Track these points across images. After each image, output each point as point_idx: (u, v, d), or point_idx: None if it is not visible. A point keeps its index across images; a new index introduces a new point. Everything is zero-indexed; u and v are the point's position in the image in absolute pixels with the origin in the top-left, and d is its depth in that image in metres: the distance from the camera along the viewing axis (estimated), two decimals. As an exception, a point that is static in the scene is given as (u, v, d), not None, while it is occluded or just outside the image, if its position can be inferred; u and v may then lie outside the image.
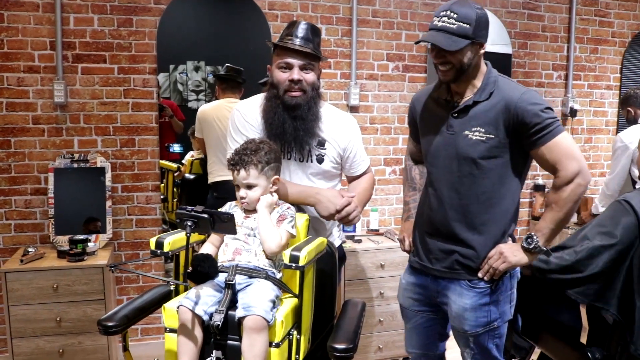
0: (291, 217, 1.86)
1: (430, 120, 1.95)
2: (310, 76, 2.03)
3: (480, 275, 1.84)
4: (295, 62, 1.99)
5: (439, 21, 1.74)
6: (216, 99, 3.32)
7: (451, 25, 1.71)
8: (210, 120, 3.17)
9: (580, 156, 1.75)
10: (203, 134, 3.22)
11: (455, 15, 1.71)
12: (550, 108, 1.76)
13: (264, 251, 1.80)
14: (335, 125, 2.14)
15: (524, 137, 1.77)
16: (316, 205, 2.02)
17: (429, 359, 2.14)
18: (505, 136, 1.78)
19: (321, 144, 2.10)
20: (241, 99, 3.26)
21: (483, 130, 1.79)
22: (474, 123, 1.81)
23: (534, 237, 1.79)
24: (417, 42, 1.94)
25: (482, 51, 1.80)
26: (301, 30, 2.01)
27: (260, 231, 1.79)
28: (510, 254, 1.80)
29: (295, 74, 1.99)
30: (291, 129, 2.00)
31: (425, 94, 2.03)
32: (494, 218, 1.85)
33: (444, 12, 1.73)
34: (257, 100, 2.14)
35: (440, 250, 1.91)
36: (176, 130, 3.40)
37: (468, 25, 1.71)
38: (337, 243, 2.25)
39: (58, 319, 2.71)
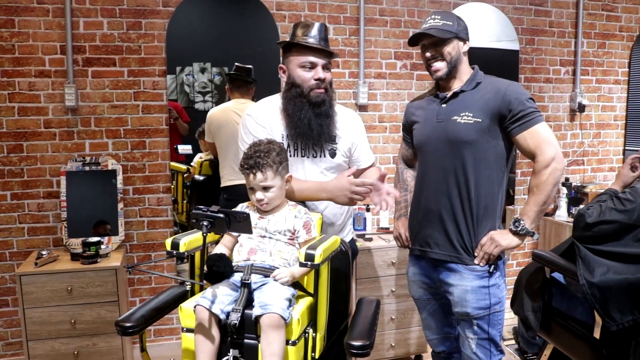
0: (312, 220, 1.90)
1: (423, 115, 2.14)
2: (329, 75, 2.09)
3: (476, 261, 1.99)
4: (319, 61, 2.05)
5: (426, 23, 2.03)
6: (229, 99, 3.32)
7: (437, 23, 2.00)
8: (219, 124, 3.18)
9: (556, 144, 1.92)
10: (213, 138, 3.22)
11: (439, 17, 2.02)
12: (532, 99, 1.95)
13: (279, 251, 1.82)
14: (343, 120, 2.19)
15: (508, 122, 1.94)
16: (334, 200, 2.03)
17: (448, 340, 2.26)
18: (491, 121, 1.95)
19: (332, 139, 2.15)
20: (252, 98, 3.27)
21: (472, 114, 1.96)
22: (463, 109, 1.99)
23: (521, 221, 1.94)
24: (410, 39, 2.08)
25: (465, 48, 2.05)
26: (319, 30, 2.07)
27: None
28: (500, 238, 1.95)
29: (321, 73, 2.04)
30: (317, 126, 2.05)
31: (417, 99, 2.26)
32: (485, 201, 1.99)
33: (430, 17, 2.04)
34: (269, 102, 2.17)
35: (438, 233, 2.04)
36: (181, 132, 3.39)
37: (451, 24, 2.01)
38: (348, 238, 2.28)
39: (73, 321, 2.73)
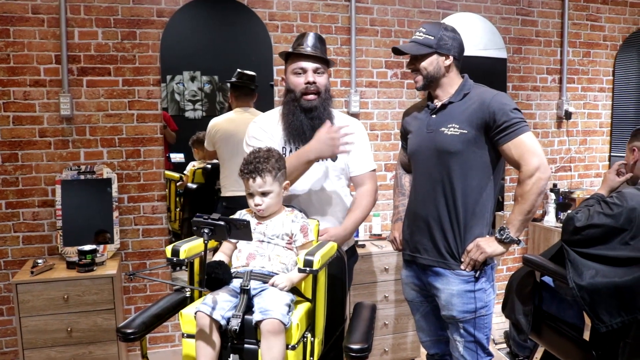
0: (309, 224, 1.94)
1: (415, 125, 2.21)
2: (322, 79, 2.18)
3: (462, 267, 2.04)
4: (308, 65, 2.16)
5: (412, 35, 2.10)
6: (229, 106, 3.34)
7: (419, 37, 2.07)
8: (225, 134, 3.18)
9: (541, 153, 1.95)
10: (215, 147, 3.24)
11: (424, 30, 2.08)
12: (518, 109, 1.98)
13: (277, 255, 1.85)
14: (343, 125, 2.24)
15: (494, 133, 1.98)
16: (321, 155, 2.07)
17: (441, 342, 2.29)
18: (477, 132, 2.00)
19: None
20: (254, 105, 3.32)
21: (458, 126, 2.01)
22: (450, 120, 2.04)
23: (506, 229, 1.98)
24: (393, 50, 2.14)
25: (448, 62, 2.07)
26: (310, 39, 2.20)
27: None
28: (486, 245, 1.99)
29: (310, 77, 2.15)
30: (309, 129, 2.14)
31: (413, 108, 2.31)
32: (472, 209, 2.04)
33: (418, 29, 2.10)
34: (273, 112, 2.30)
35: (426, 240, 2.10)
36: (169, 141, 3.39)
37: (432, 38, 2.05)
38: (345, 247, 2.32)
39: (69, 329, 2.74)
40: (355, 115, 3.55)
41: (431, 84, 2.09)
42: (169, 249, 1.82)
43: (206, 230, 1.66)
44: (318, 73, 2.17)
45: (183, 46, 3.33)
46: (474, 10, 3.81)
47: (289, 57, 2.21)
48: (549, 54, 4.06)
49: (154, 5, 3.15)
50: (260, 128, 2.24)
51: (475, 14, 3.82)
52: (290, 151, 2.19)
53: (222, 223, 1.66)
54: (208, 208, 3.43)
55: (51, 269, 2.84)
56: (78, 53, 3.06)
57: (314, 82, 2.15)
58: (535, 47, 4.02)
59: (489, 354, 2.13)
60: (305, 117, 2.15)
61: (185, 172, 3.53)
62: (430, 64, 2.06)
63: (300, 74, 2.17)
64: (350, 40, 3.52)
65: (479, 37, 3.87)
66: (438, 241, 2.07)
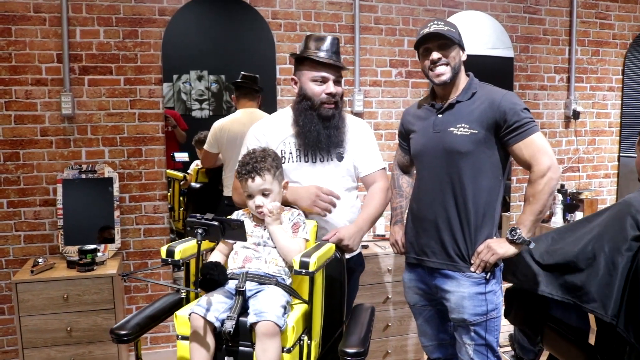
0: (303, 222, 1.91)
1: (419, 124, 2.15)
2: (340, 89, 2.12)
3: (472, 269, 1.99)
4: (331, 76, 2.07)
5: (430, 28, 2.00)
6: (235, 108, 3.32)
7: (442, 28, 1.98)
8: (232, 136, 3.13)
9: (552, 153, 1.92)
10: (220, 149, 3.21)
11: (442, 23, 2.01)
12: (527, 109, 1.95)
13: (273, 259, 1.82)
14: (350, 128, 2.22)
15: (504, 133, 1.95)
16: (297, 202, 2.03)
17: (444, 347, 2.26)
18: (487, 132, 1.96)
19: (339, 143, 2.17)
20: (260, 107, 3.30)
21: (467, 126, 1.97)
22: (459, 120, 1.99)
23: (517, 230, 1.93)
24: (419, 39, 2.03)
25: (464, 58, 2.05)
26: (332, 44, 2.09)
27: (279, 247, 1.82)
28: (497, 246, 1.95)
29: (332, 87, 2.07)
30: (325, 138, 2.08)
31: (414, 107, 2.25)
32: (482, 210, 2.00)
33: (433, 23, 2.01)
34: (275, 114, 2.25)
35: (434, 242, 2.05)
36: (179, 140, 3.39)
37: (454, 30, 2.01)
38: (351, 255, 2.26)
39: (69, 328, 2.73)
40: (359, 114, 3.52)
41: (454, 78, 2.02)
42: (163, 250, 1.80)
43: (200, 231, 1.64)
44: (337, 83, 2.10)
45: (189, 45, 3.31)
46: (480, 9, 3.76)
47: (305, 60, 2.09)
48: (556, 52, 4.00)
49: (156, 4, 3.14)
50: (254, 137, 2.17)
51: (481, 12, 3.77)
52: (290, 153, 2.12)
53: (215, 223, 1.64)
54: (211, 207, 3.40)
55: (51, 268, 2.83)
56: (80, 52, 3.05)
57: (335, 94, 2.08)
58: (542, 45, 3.96)
59: (498, 357, 2.09)
60: (322, 127, 2.08)
61: (188, 171, 3.51)
62: (457, 55, 2.01)
63: (321, 82, 2.07)
64: (354, 39, 3.48)
65: (485, 35, 3.82)
66: (447, 243, 2.02)
